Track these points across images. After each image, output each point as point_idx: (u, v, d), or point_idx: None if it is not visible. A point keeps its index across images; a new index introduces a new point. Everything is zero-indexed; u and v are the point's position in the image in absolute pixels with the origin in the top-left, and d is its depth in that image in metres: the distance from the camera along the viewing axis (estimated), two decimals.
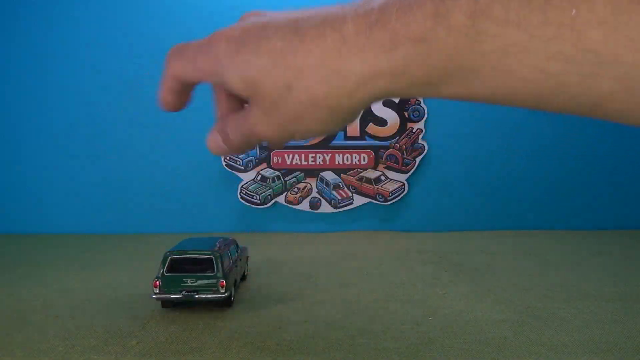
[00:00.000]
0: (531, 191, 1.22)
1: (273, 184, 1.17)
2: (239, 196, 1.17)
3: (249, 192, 1.17)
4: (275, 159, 1.17)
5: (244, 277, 0.70)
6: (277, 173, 1.17)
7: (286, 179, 1.18)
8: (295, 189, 1.19)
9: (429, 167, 1.20)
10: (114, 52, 1.18)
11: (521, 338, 0.50)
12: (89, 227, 1.19)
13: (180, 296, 0.55)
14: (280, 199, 1.17)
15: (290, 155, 1.17)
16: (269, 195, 1.17)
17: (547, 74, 0.24)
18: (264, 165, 1.17)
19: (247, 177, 1.17)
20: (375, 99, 0.31)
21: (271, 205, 1.18)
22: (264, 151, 1.17)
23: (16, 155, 1.19)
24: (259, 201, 1.17)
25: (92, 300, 0.64)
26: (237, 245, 0.66)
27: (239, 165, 1.17)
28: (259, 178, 1.17)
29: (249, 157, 1.17)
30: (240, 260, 0.66)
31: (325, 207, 1.20)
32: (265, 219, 1.19)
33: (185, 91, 0.48)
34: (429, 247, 0.98)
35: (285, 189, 1.17)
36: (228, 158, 1.17)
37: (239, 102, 0.55)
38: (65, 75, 1.18)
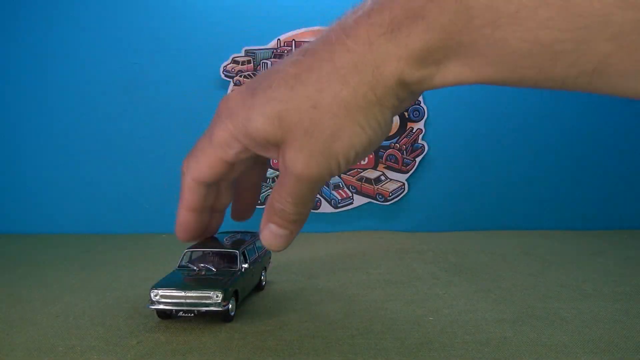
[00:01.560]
0: (531, 191, 1.22)
1: (273, 184, 1.17)
2: None
3: None
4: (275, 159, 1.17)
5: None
6: (277, 173, 1.18)
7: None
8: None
9: (429, 167, 1.20)
10: (115, 52, 1.18)
11: (521, 338, 0.50)
12: (89, 227, 1.19)
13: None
14: None
15: None
16: (269, 195, 1.17)
17: (541, 45, 0.24)
18: None
19: None
20: (397, 91, 0.31)
21: None
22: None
23: (16, 155, 1.19)
24: (259, 201, 1.17)
25: (92, 300, 0.64)
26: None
27: None
28: None
29: None
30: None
31: (325, 207, 1.20)
32: None
33: (208, 203, 0.45)
34: (429, 247, 0.98)
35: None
36: None
37: (258, 185, 0.51)
38: (65, 75, 1.18)
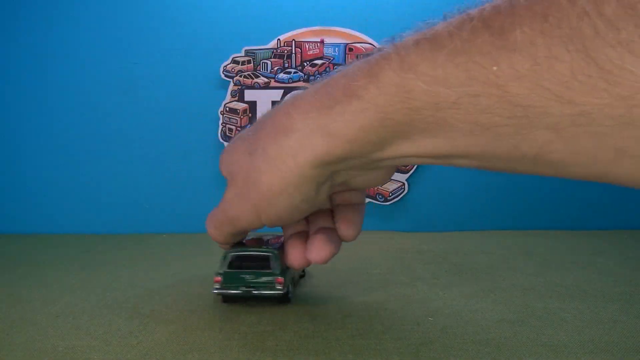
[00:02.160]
0: (531, 191, 1.22)
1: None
2: None
3: None
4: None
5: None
6: None
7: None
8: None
9: (429, 167, 1.20)
10: (114, 52, 1.18)
11: (521, 338, 0.50)
12: (89, 227, 1.19)
13: (240, 291, 0.57)
14: None
15: None
16: None
17: (482, 127, 0.25)
18: None
19: None
20: (318, 169, 0.35)
21: None
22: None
23: (16, 155, 1.19)
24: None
25: (92, 300, 0.64)
26: None
27: None
28: None
29: None
30: None
31: None
32: None
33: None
34: (429, 247, 0.98)
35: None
36: None
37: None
38: (65, 75, 1.18)
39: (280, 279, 0.56)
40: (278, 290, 0.56)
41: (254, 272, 0.57)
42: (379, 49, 0.29)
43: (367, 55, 0.30)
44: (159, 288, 0.69)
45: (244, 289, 0.57)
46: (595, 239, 1.07)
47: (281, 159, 0.35)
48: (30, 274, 0.79)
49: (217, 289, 0.58)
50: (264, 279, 0.56)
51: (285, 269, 0.58)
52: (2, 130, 1.19)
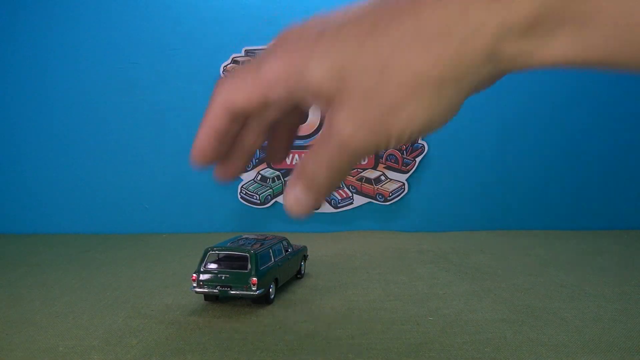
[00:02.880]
0: (531, 191, 1.22)
1: (273, 184, 1.17)
2: (239, 196, 1.17)
3: (249, 192, 1.17)
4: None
5: (300, 275, 0.73)
6: (277, 173, 1.17)
7: (286, 178, 1.17)
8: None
9: (429, 167, 1.20)
10: (115, 52, 1.18)
11: (521, 338, 0.50)
12: (89, 227, 1.19)
13: (216, 291, 0.57)
14: (280, 199, 1.17)
15: (290, 155, 1.17)
16: (269, 195, 1.17)
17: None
18: (264, 165, 1.17)
19: (247, 177, 1.17)
20: (487, 64, 0.26)
21: (271, 205, 1.18)
22: (263, 151, 1.17)
23: (16, 155, 1.19)
24: (259, 201, 1.17)
25: (92, 300, 0.64)
26: (285, 244, 0.67)
27: None
28: (259, 178, 1.17)
29: None
30: (290, 259, 0.67)
31: (325, 207, 1.20)
32: (265, 219, 1.19)
33: (231, 137, 0.39)
34: (429, 247, 0.98)
35: (285, 189, 1.17)
36: None
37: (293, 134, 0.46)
38: (65, 75, 1.18)
39: (255, 279, 0.56)
40: (253, 291, 0.56)
41: (230, 272, 0.57)
42: None
43: None
44: (159, 288, 0.69)
45: (220, 288, 0.57)
46: (595, 239, 1.07)
47: (437, 38, 0.26)
48: (30, 274, 0.79)
49: (194, 287, 0.58)
50: (240, 279, 0.56)
51: (266, 270, 0.58)
52: (2, 131, 1.19)
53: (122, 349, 0.48)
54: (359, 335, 0.51)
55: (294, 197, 0.33)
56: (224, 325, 0.54)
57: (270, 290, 0.59)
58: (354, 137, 0.29)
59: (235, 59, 1.16)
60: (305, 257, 0.74)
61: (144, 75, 1.18)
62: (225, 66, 1.16)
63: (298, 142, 1.17)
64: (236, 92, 0.36)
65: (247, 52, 1.16)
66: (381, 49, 0.27)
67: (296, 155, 1.16)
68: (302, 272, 0.74)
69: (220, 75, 1.18)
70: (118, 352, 0.47)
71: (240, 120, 0.40)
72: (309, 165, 0.32)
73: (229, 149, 0.38)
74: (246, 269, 0.57)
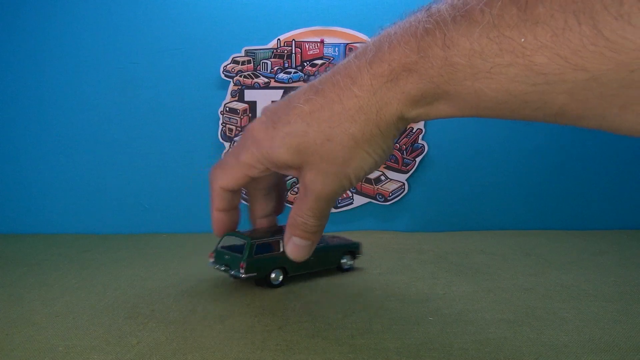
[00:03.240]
0: (531, 191, 1.22)
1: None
2: None
3: None
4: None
5: (340, 269, 0.77)
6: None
7: (286, 179, 1.17)
8: (295, 189, 1.19)
9: (429, 167, 1.20)
10: (113, 51, 1.18)
11: (521, 338, 0.50)
12: (89, 227, 1.19)
13: (222, 269, 0.67)
14: None
15: None
16: None
17: (511, 94, 0.29)
18: None
19: None
20: (397, 125, 0.38)
21: None
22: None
23: (16, 155, 1.19)
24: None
25: (92, 300, 0.64)
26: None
27: None
28: None
29: None
30: (320, 253, 0.72)
31: None
32: None
33: (234, 205, 0.60)
34: (429, 247, 0.98)
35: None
36: None
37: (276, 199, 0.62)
38: (64, 74, 1.18)
39: (243, 263, 0.64)
40: (240, 274, 0.64)
41: (232, 255, 0.67)
42: (417, 18, 0.35)
43: (405, 21, 0.37)
44: (159, 288, 0.69)
45: (225, 267, 0.67)
46: (595, 239, 1.07)
47: (359, 113, 0.37)
48: (30, 274, 0.79)
49: (210, 262, 0.69)
50: (235, 262, 0.65)
51: (261, 259, 0.65)
52: (2, 131, 1.19)
53: (122, 349, 0.48)
54: (359, 335, 0.51)
55: (293, 246, 0.49)
56: (224, 325, 0.54)
57: (273, 276, 0.67)
58: (325, 188, 0.43)
59: (235, 59, 1.16)
60: (352, 253, 0.78)
61: (144, 75, 1.18)
62: (225, 66, 1.16)
63: None
64: (225, 176, 0.52)
65: (247, 52, 1.16)
66: (322, 127, 0.39)
67: None
68: (345, 267, 0.77)
69: (220, 75, 1.18)
70: (118, 352, 0.47)
71: (237, 193, 0.57)
72: (297, 218, 0.47)
73: (233, 210, 0.59)
74: (241, 254, 0.65)
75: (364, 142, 0.38)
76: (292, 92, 0.44)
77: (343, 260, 0.77)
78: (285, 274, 0.69)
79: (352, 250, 0.79)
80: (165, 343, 0.49)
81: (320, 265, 0.74)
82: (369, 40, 0.39)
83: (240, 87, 1.17)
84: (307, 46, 1.18)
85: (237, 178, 0.52)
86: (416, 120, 0.38)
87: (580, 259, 0.87)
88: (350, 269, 0.78)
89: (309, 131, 0.39)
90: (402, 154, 1.19)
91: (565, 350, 0.47)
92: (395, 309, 0.59)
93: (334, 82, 0.38)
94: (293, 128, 0.40)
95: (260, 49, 1.17)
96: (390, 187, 1.19)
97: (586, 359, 0.45)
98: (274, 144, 0.42)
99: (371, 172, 0.42)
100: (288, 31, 1.18)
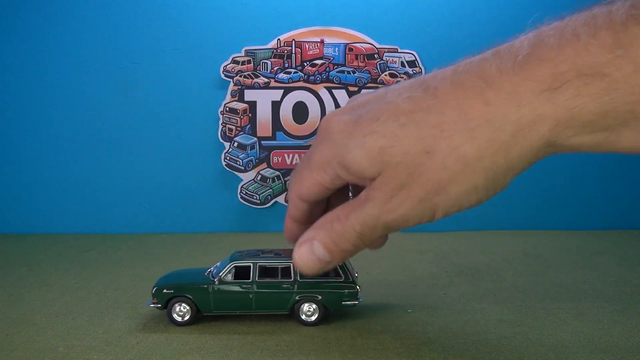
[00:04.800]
0: (531, 191, 1.22)
1: (273, 184, 1.17)
2: (239, 196, 1.17)
3: (249, 192, 1.17)
4: (275, 159, 1.17)
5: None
6: (277, 173, 1.17)
7: (286, 179, 1.17)
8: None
9: None
10: (114, 51, 1.18)
11: (521, 338, 0.50)
12: (89, 227, 1.19)
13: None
14: (280, 199, 1.17)
15: (290, 155, 1.17)
16: (269, 195, 1.17)
17: None
18: (264, 165, 1.17)
19: (247, 177, 1.17)
20: (537, 154, 0.27)
21: (271, 205, 1.18)
22: (264, 151, 1.17)
23: (15, 155, 1.19)
24: (259, 201, 1.16)
25: (92, 300, 0.64)
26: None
27: (239, 165, 1.17)
28: (259, 178, 1.17)
29: (248, 157, 1.17)
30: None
31: None
32: (265, 219, 1.19)
33: (312, 219, 0.38)
34: (429, 247, 0.98)
35: (285, 189, 1.17)
36: (228, 158, 1.17)
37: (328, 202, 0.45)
38: (64, 74, 1.18)
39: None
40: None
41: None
42: (607, 9, 0.24)
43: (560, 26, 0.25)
44: None
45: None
46: (595, 239, 1.07)
47: (483, 128, 0.26)
48: (30, 274, 0.79)
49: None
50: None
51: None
52: (1, 131, 1.19)
53: (122, 349, 0.48)
54: (359, 335, 0.51)
55: (308, 250, 0.34)
56: (223, 325, 0.54)
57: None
58: (395, 212, 0.31)
59: (235, 59, 1.16)
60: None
61: (144, 75, 1.18)
62: (225, 66, 1.16)
63: (298, 143, 1.17)
64: (298, 185, 0.37)
65: (247, 52, 1.16)
66: (423, 134, 0.27)
67: (296, 155, 1.16)
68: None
69: (220, 75, 1.18)
70: (118, 352, 0.47)
71: (317, 204, 0.40)
72: (336, 224, 0.33)
73: (308, 224, 0.39)
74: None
75: (477, 170, 0.28)
76: (392, 85, 0.32)
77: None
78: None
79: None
80: (165, 343, 0.49)
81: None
82: (518, 35, 0.27)
83: (240, 87, 1.17)
84: (307, 46, 1.18)
85: (308, 186, 0.36)
86: (572, 151, 0.26)
87: (580, 259, 0.87)
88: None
89: (402, 135, 0.28)
90: None
91: (565, 350, 0.47)
92: (395, 309, 0.59)
93: (455, 82, 0.27)
94: (381, 127, 0.28)
95: (260, 49, 1.17)
96: None
97: (586, 359, 0.45)
98: (351, 142, 0.30)
99: (463, 210, 0.31)
100: (288, 31, 1.18)
